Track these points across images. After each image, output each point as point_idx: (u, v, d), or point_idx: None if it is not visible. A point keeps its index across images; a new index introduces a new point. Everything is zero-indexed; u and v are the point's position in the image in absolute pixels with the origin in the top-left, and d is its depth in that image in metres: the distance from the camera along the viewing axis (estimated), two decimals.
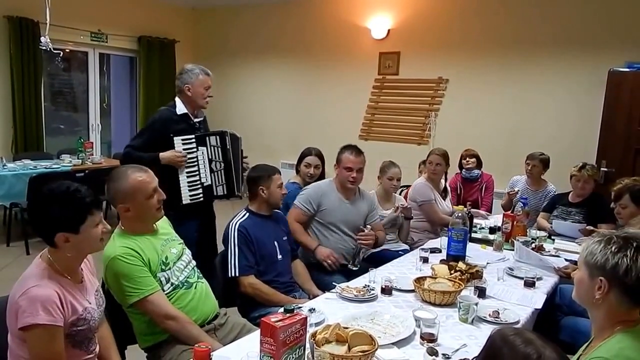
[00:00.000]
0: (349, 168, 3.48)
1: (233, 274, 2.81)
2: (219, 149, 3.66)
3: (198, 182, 3.63)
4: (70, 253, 1.86)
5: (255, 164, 3.18)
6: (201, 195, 3.65)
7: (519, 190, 4.75)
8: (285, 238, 3.14)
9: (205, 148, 3.64)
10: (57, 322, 1.76)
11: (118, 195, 2.29)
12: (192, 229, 3.57)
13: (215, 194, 3.70)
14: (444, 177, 4.52)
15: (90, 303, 1.94)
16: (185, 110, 3.64)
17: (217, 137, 3.66)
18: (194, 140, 3.61)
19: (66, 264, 1.89)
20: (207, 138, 3.66)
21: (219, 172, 3.66)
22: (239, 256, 2.83)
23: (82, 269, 1.98)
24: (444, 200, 4.49)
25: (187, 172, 3.60)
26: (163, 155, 3.50)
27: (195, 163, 3.62)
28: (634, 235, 1.59)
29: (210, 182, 3.66)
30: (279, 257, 3.01)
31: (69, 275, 1.88)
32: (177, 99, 3.67)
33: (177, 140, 3.56)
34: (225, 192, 3.70)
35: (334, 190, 3.57)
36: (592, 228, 3.78)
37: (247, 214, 3.01)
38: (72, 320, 1.84)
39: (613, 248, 1.55)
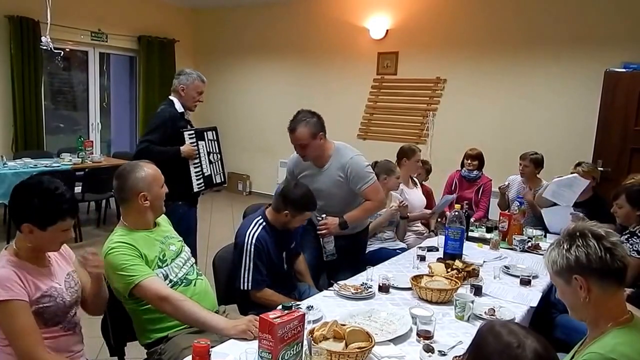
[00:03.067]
0: (294, 145, 3.30)
1: (246, 288, 2.76)
2: (215, 142, 4.10)
3: (200, 173, 3.98)
4: (30, 243, 1.95)
5: (298, 183, 3.04)
6: (203, 184, 4.01)
7: (509, 184, 4.79)
8: (292, 245, 3.11)
9: (204, 142, 4.00)
10: (19, 297, 1.86)
11: (139, 184, 2.36)
12: (194, 217, 4.04)
13: (214, 182, 4.08)
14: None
15: (59, 284, 2.02)
16: (182, 109, 3.95)
17: (213, 132, 4.08)
18: (194, 135, 3.95)
19: (29, 252, 1.97)
20: (205, 133, 4.03)
21: (216, 162, 4.08)
22: (254, 271, 2.76)
23: (49, 256, 2.06)
24: (412, 188, 4.52)
25: (193, 164, 3.93)
26: (183, 148, 3.84)
27: (197, 155, 3.96)
28: (574, 228, 1.65)
29: (210, 172, 4.04)
30: (285, 267, 3.00)
31: (32, 262, 1.98)
32: (174, 98, 3.94)
33: (186, 135, 3.89)
34: (222, 180, 4.13)
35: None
36: (583, 216, 3.81)
37: (264, 223, 2.88)
38: (37, 297, 1.92)
39: (565, 246, 1.61)
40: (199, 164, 3.95)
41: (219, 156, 4.09)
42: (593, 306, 1.61)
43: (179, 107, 3.91)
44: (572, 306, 1.67)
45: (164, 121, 3.83)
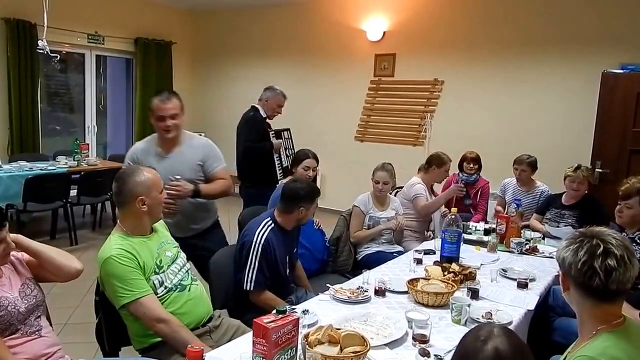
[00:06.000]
0: (161, 117, 3.13)
1: (248, 288, 2.76)
2: (290, 140, 5.10)
3: (280, 165, 4.94)
4: None
5: (297, 178, 3.12)
6: (282, 174, 4.88)
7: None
8: (295, 250, 3.11)
9: (281, 140, 4.99)
10: None
11: (138, 188, 2.35)
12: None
13: (290, 172, 4.69)
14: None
15: (11, 294, 2.04)
16: (265, 115, 4.95)
17: (288, 132, 5.09)
18: (275, 134, 4.94)
19: None
20: (282, 132, 5.05)
21: (292, 156, 4.76)
22: (258, 271, 2.75)
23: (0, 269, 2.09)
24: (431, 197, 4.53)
25: (276, 158, 4.91)
26: (276, 142, 4.89)
27: (279, 150, 4.94)
28: (589, 231, 1.64)
29: (287, 164, 4.91)
30: (287, 271, 3.00)
31: None
32: (258, 106, 4.95)
33: (272, 134, 4.90)
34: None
35: (154, 145, 3.27)
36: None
37: (273, 225, 2.88)
38: None
39: (565, 243, 1.64)
40: (280, 158, 4.92)
41: (293, 151, 4.92)
42: (576, 306, 1.65)
43: (262, 113, 4.90)
44: (563, 294, 1.72)
45: (255, 126, 4.85)
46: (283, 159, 4.95)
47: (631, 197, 3.20)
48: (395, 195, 4.57)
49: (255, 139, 4.80)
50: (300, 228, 3.18)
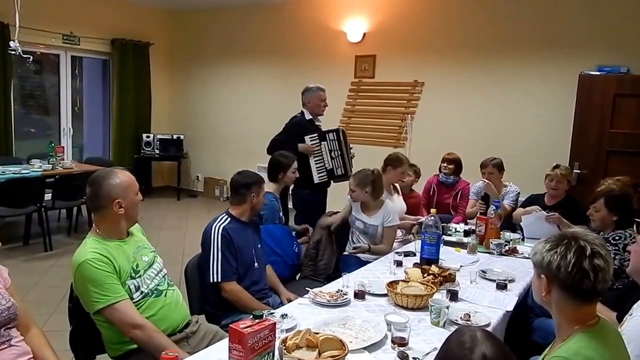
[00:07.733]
0: None
1: (215, 280, 2.77)
2: (335, 142, 4.89)
3: (323, 167, 4.86)
4: None
5: (241, 170, 3.22)
6: (325, 176, 4.88)
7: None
8: (259, 246, 3.13)
9: (325, 142, 4.88)
10: None
11: (114, 190, 2.31)
12: (320, 202, 4.97)
13: (335, 174, 4.89)
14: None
15: None
16: (310, 117, 4.98)
17: (334, 133, 4.91)
18: (317, 136, 4.87)
19: None
20: (326, 134, 4.91)
21: (337, 158, 4.86)
22: (222, 261, 2.78)
23: None
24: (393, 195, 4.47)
25: (315, 160, 4.84)
26: (300, 145, 4.78)
27: (320, 153, 4.85)
28: (568, 232, 1.66)
29: (331, 166, 4.87)
30: (256, 265, 2.99)
31: None
32: (304, 110, 5.01)
33: (307, 137, 4.85)
34: (343, 172, 4.87)
35: None
36: (558, 215, 3.88)
37: (229, 218, 2.95)
38: None
39: (548, 246, 1.63)
40: (321, 160, 4.84)
41: (339, 153, 4.86)
42: (554, 307, 1.65)
43: (307, 115, 4.97)
44: (535, 296, 1.73)
45: (291, 126, 4.96)
46: (326, 161, 4.84)
47: (597, 200, 3.30)
48: None
49: (285, 138, 4.80)
50: (259, 226, 3.24)
